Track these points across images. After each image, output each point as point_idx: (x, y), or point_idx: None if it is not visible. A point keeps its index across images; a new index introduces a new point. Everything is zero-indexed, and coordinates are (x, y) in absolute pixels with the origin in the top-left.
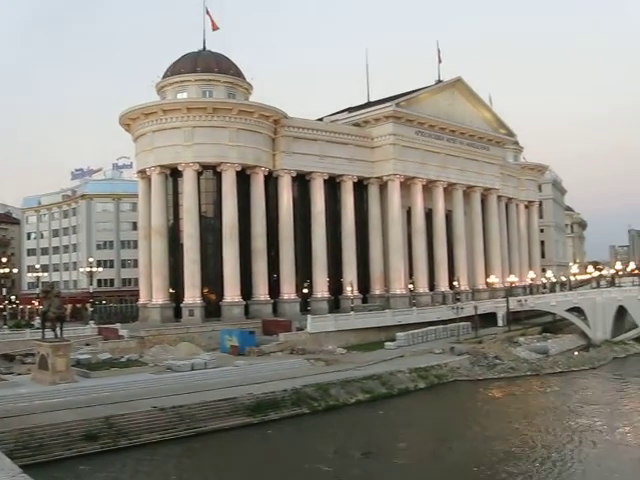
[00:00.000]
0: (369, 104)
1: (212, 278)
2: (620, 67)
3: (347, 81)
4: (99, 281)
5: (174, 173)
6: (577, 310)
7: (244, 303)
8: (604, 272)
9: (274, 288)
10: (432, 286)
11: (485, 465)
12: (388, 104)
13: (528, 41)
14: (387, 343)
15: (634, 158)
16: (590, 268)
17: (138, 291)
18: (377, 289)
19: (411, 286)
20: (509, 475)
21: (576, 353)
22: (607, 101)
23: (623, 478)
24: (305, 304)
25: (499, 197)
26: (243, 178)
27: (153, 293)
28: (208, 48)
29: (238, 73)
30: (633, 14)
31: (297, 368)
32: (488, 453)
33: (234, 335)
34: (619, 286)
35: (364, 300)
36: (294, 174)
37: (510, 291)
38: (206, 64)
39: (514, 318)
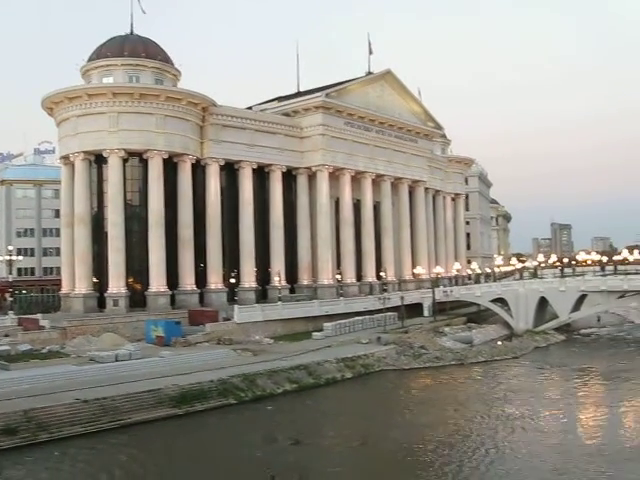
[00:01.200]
0: (299, 94)
1: (137, 267)
2: (559, 73)
3: (278, 71)
4: (19, 270)
5: (99, 160)
6: (501, 301)
7: (170, 293)
8: (527, 264)
9: (201, 278)
10: (359, 276)
11: (417, 452)
12: (318, 94)
13: (460, 38)
14: (314, 333)
15: (559, 157)
16: (514, 260)
17: (60, 280)
18: (305, 279)
19: (339, 276)
20: (442, 463)
21: (499, 343)
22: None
23: (548, 464)
24: (232, 294)
25: (426, 189)
26: (170, 166)
27: (76, 282)
28: (136, 33)
29: (166, 59)
30: (585, 19)
31: (224, 358)
32: (419, 441)
33: (160, 325)
34: (541, 278)
35: (292, 290)
36: (222, 163)
37: (436, 282)
38: (133, 48)
39: (440, 309)
